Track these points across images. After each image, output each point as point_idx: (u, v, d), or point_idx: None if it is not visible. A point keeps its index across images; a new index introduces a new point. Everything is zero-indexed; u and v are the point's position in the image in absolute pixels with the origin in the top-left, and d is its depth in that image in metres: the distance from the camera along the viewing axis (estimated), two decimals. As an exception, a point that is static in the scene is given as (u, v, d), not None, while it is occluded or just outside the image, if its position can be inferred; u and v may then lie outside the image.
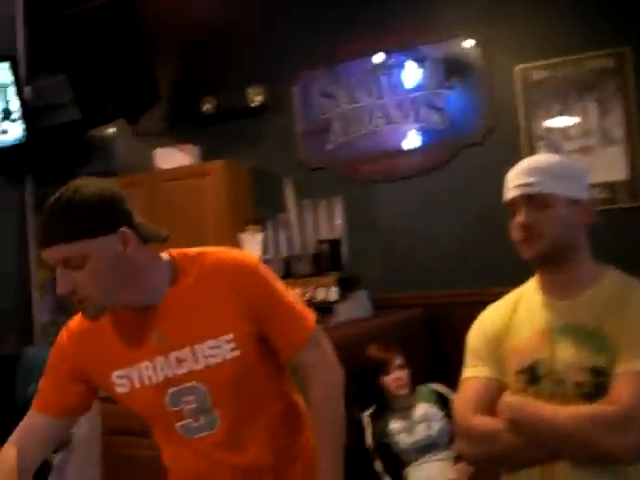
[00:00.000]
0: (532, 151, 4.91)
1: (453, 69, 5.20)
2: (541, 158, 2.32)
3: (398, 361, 4.12)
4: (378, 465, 3.94)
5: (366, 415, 4.07)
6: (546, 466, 2.07)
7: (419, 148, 5.36)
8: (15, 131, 6.75)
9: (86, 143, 7.07)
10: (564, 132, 4.88)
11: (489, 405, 2.16)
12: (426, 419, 4.08)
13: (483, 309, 2.42)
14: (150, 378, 2.16)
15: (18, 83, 6.64)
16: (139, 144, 6.26)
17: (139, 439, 5.04)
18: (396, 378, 4.08)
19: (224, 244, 2.31)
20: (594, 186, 4.56)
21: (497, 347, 2.24)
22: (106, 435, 5.38)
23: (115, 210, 2.05)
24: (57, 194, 2.00)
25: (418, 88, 5.32)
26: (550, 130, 4.93)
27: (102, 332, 2.20)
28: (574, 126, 4.86)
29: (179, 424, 2.21)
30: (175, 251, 2.23)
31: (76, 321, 2.27)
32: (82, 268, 1.97)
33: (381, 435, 4.02)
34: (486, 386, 2.21)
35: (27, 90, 6.75)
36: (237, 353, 2.14)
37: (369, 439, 4.00)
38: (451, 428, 4.02)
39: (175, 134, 6.03)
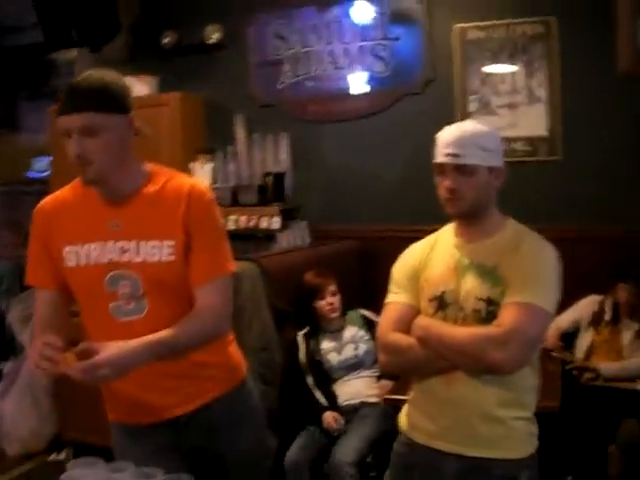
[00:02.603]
0: (465, 104, 5.37)
1: (397, 22, 5.57)
2: (469, 128, 2.65)
3: (332, 287, 4.54)
4: (310, 380, 4.39)
5: (300, 335, 4.51)
6: (448, 376, 2.56)
7: (363, 93, 5.74)
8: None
9: (46, 65, 7.26)
10: (494, 89, 5.33)
11: (406, 325, 2.64)
12: (354, 341, 4.53)
13: (410, 244, 2.88)
14: (96, 258, 2.46)
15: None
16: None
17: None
18: (329, 303, 4.51)
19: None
20: (518, 139, 5.09)
21: (415, 278, 2.71)
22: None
23: (129, 96, 2.45)
24: (82, 75, 2.38)
25: (365, 37, 5.68)
26: (482, 86, 5.37)
27: (65, 210, 2.53)
28: (504, 84, 5.31)
29: (112, 304, 2.47)
30: (150, 163, 2.58)
31: (45, 201, 2.60)
32: (95, 137, 2.32)
33: (313, 353, 4.46)
34: (404, 310, 2.69)
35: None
36: (172, 258, 2.45)
37: (302, 356, 4.44)
38: (376, 349, 4.50)
39: (135, 64, 6.21)
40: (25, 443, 5.72)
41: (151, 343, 2.31)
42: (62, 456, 5.56)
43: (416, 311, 2.68)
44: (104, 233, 2.47)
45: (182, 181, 2.55)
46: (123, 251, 2.45)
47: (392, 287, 2.78)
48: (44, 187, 6.76)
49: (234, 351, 2.74)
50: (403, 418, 2.81)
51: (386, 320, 2.73)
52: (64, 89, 2.38)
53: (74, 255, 2.48)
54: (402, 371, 2.89)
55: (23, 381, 5.78)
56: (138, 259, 2.45)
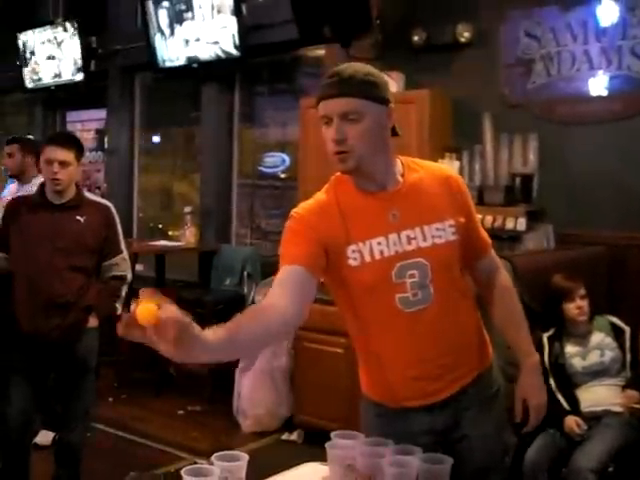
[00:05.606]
0: None
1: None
2: None
3: (581, 291, 4.45)
4: (552, 382, 4.30)
5: (545, 336, 4.44)
6: None
7: (618, 95, 5.54)
8: (229, 46, 7.30)
9: (296, 61, 7.51)
10: None
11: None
12: (600, 347, 4.42)
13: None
14: (382, 252, 2.45)
15: (237, 2, 7.16)
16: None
17: (326, 336, 5.57)
18: (578, 306, 4.42)
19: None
20: None
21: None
22: (297, 329, 5.90)
23: (388, 89, 2.50)
24: (343, 65, 2.45)
25: (623, 36, 5.47)
26: None
27: (331, 213, 2.49)
28: None
29: (399, 296, 2.48)
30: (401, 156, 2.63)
31: (303, 208, 2.54)
32: (356, 123, 2.37)
33: (557, 356, 4.39)
34: None
35: (244, 8, 7.24)
36: (456, 237, 2.53)
37: (546, 358, 4.36)
38: (622, 357, 4.37)
39: (383, 61, 6.12)
40: (260, 421, 6.12)
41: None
42: (294, 437, 5.89)
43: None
44: (385, 226, 2.48)
45: (434, 165, 2.70)
46: (409, 240, 2.48)
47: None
48: (276, 182, 7.36)
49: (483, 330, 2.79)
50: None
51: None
52: (327, 76, 2.44)
53: (358, 254, 2.46)
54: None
55: (263, 363, 6.08)
56: (426, 244, 2.49)
